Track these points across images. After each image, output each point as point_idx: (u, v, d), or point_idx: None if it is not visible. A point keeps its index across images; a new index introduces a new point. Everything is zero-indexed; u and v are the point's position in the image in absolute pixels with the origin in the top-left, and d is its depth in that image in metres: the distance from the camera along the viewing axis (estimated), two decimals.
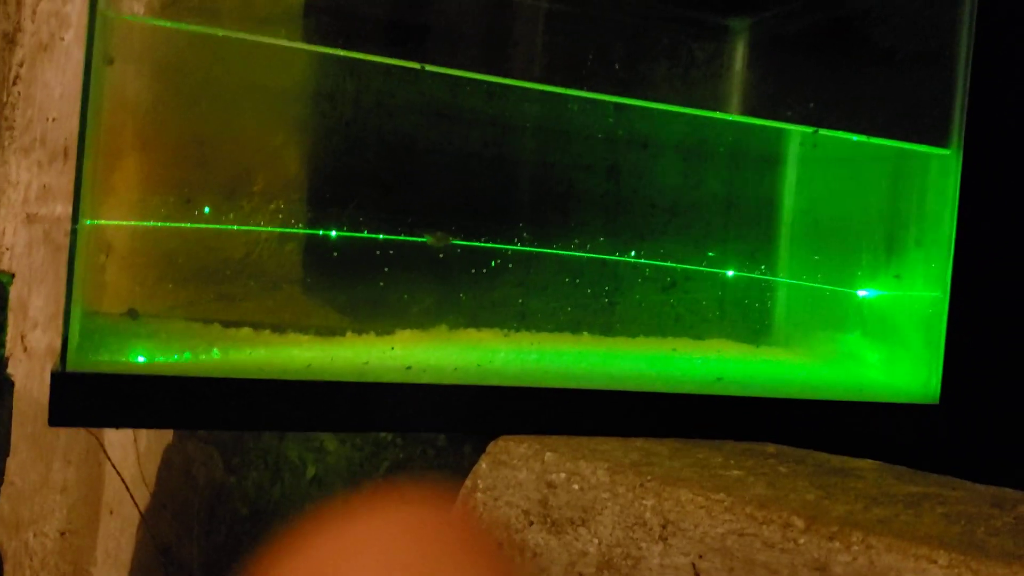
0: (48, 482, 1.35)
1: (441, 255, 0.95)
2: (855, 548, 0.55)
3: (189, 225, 0.90)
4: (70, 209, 1.35)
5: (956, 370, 0.89)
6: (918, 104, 0.92)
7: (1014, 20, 0.92)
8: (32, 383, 1.39)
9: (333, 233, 0.96)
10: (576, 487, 0.68)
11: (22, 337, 1.40)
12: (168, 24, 0.87)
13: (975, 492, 0.67)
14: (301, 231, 0.98)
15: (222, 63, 0.93)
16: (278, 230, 0.96)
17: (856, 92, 0.97)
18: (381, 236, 0.95)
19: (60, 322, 1.37)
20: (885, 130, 0.95)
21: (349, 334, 0.91)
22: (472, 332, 0.99)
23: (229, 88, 0.94)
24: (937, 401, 0.89)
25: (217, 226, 0.92)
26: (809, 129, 0.95)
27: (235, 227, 0.94)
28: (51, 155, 1.41)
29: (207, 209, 0.91)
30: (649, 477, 0.65)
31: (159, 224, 0.88)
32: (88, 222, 0.71)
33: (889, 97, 0.96)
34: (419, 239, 0.96)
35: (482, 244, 0.99)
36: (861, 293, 0.99)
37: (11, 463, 1.36)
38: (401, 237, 0.95)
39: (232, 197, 0.96)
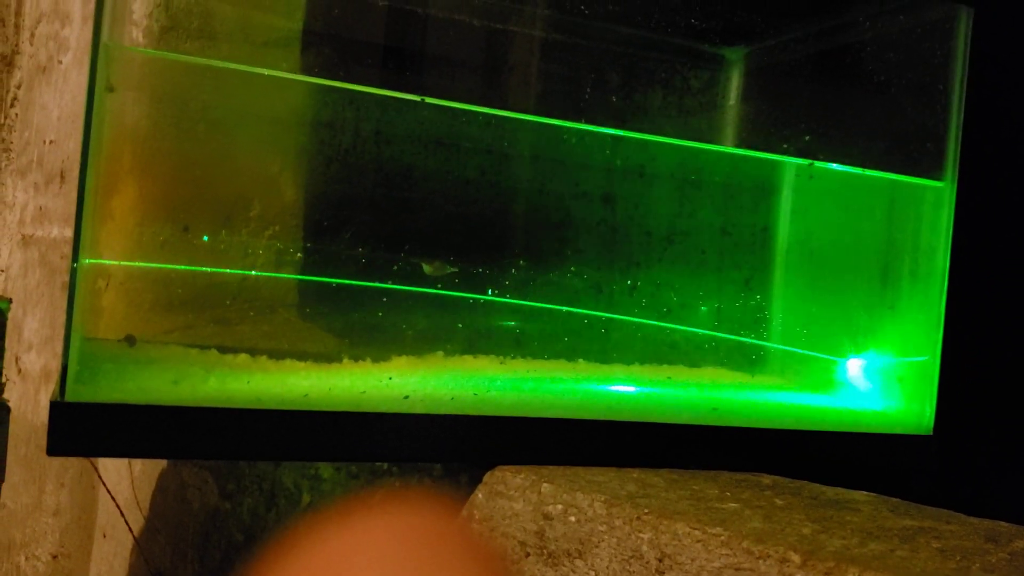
0: (41, 505, 1.35)
1: (439, 284, 0.95)
2: None
3: (199, 268, 0.90)
4: (66, 231, 1.35)
5: (950, 401, 0.89)
6: (913, 136, 0.93)
7: (1007, 54, 0.93)
8: (26, 405, 1.39)
9: (328, 258, 0.96)
10: (573, 519, 0.69)
11: (16, 359, 1.40)
12: (169, 55, 0.87)
13: (970, 526, 0.68)
14: (298, 258, 0.98)
15: (221, 91, 0.94)
16: (279, 275, 0.96)
17: (851, 124, 0.98)
18: (375, 263, 0.96)
19: (56, 344, 1.37)
20: (880, 162, 0.96)
21: (346, 360, 0.91)
22: (468, 359, 0.99)
23: (228, 116, 0.94)
24: (931, 432, 0.89)
25: (224, 270, 0.92)
26: (805, 162, 0.96)
27: (243, 271, 0.94)
28: (48, 177, 1.42)
29: (205, 237, 0.91)
30: (646, 510, 0.66)
31: (159, 265, 0.88)
32: (87, 261, 0.71)
33: (884, 129, 0.96)
34: (417, 263, 0.96)
35: (479, 271, 0.99)
36: (855, 359, 1.00)
37: (3, 485, 1.35)
38: (398, 264, 0.96)
39: (230, 224, 0.96)
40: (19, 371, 1.40)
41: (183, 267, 0.91)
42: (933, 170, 0.91)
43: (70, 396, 0.66)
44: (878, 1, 0.95)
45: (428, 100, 0.90)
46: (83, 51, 1.39)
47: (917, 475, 0.89)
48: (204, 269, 0.92)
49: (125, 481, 1.18)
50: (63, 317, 1.39)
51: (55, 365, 1.39)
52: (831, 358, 1.04)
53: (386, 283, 0.96)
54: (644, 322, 1.07)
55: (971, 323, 0.91)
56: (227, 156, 0.96)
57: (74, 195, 1.25)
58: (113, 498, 1.19)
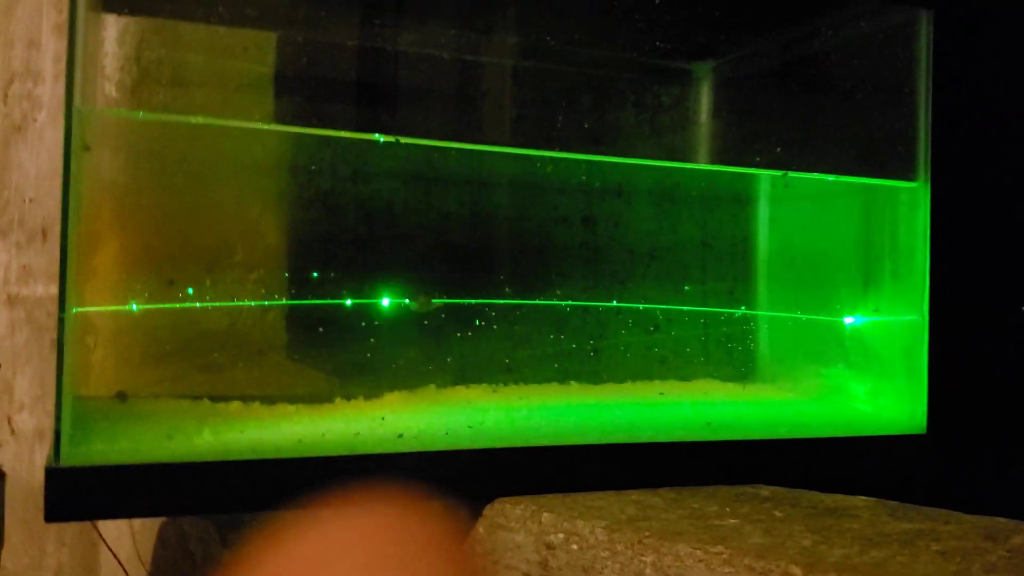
0: (42, 566, 1.34)
1: (426, 321, 0.96)
2: None
3: (199, 306, 0.90)
4: (52, 289, 1.35)
5: (941, 399, 0.90)
6: (884, 140, 0.94)
7: (970, 53, 0.94)
8: (21, 466, 1.38)
9: (315, 301, 0.96)
10: (575, 547, 0.69)
11: (8, 420, 1.39)
12: (140, 115, 0.88)
13: (968, 525, 0.68)
14: (284, 302, 0.99)
15: (194, 141, 0.94)
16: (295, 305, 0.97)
17: (822, 131, 0.99)
18: (363, 301, 0.96)
19: (47, 403, 1.37)
20: (853, 167, 0.97)
21: (338, 400, 0.91)
22: (460, 390, 0.99)
23: (204, 165, 0.95)
24: (924, 431, 0.90)
25: (215, 302, 0.93)
26: (778, 172, 0.97)
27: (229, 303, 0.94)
28: (29, 236, 1.42)
29: (190, 289, 0.91)
30: (647, 533, 0.66)
31: (149, 305, 0.88)
32: (75, 311, 0.71)
33: (854, 135, 0.98)
34: (402, 299, 0.96)
35: (465, 302, 1.00)
36: (848, 320, 1.01)
37: (3, 549, 1.35)
38: (381, 297, 0.96)
39: (214, 272, 0.96)
40: (12, 431, 1.39)
41: (177, 304, 0.91)
42: (906, 171, 0.92)
43: (65, 460, 0.66)
44: (839, 9, 0.97)
45: (403, 140, 0.91)
46: (57, 109, 1.39)
47: (913, 474, 0.89)
48: (195, 304, 0.92)
49: (126, 536, 1.18)
50: (53, 375, 1.39)
51: (48, 424, 1.38)
52: (817, 362, 1.05)
53: (373, 321, 0.96)
54: (633, 338, 1.07)
55: (956, 320, 0.92)
56: (207, 205, 0.96)
57: (57, 252, 1.25)
58: (115, 555, 1.18)
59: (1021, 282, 0.96)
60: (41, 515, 0.65)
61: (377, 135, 0.94)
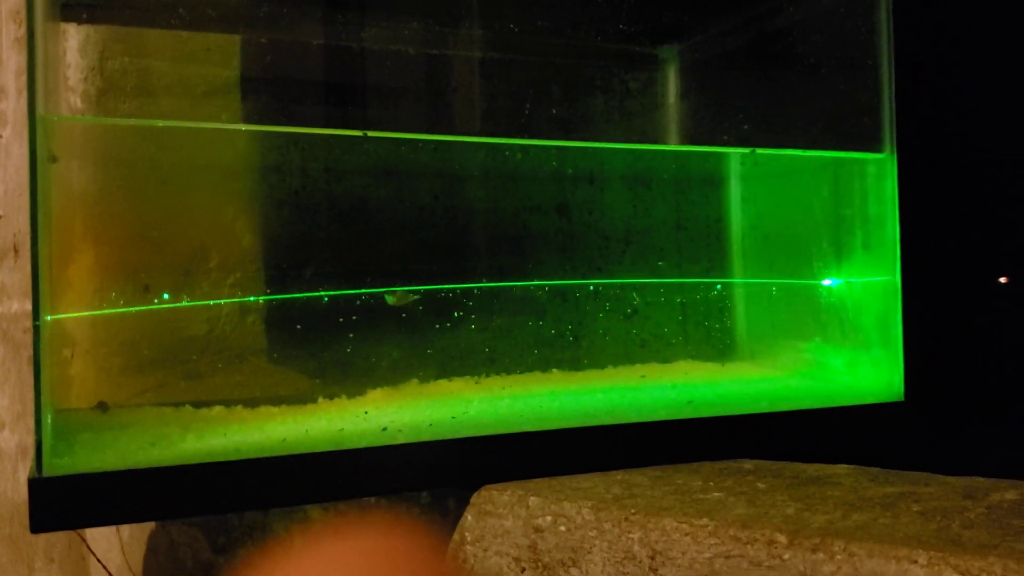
0: None
1: (404, 315, 0.96)
2: (838, 557, 0.56)
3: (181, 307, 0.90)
4: (26, 305, 1.34)
5: (917, 366, 0.91)
6: (849, 113, 0.95)
7: (928, 23, 0.95)
8: (5, 484, 1.37)
9: (293, 299, 0.96)
10: (563, 528, 0.69)
11: None
12: (106, 120, 0.88)
13: (947, 485, 0.69)
14: (262, 298, 0.99)
15: (163, 147, 0.94)
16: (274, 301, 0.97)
17: (788, 107, 1.00)
18: (340, 294, 0.96)
19: (28, 420, 1.36)
20: (820, 141, 0.98)
21: (321, 400, 0.91)
22: (443, 383, 0.99)
23: (174, 170, 0.94)
24: (902, 398, 0.91)
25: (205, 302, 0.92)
26: (746, 150, 0.98)
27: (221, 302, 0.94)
28: (1, 253, 1.41)
29: (166, 295, 0.91)
30: (633, 510, 0.66)
31: (127, 309, 0.88)
32: (49, 317, 0.71)
33: (820, 109, 0.98)
34: (379, 292, 0.96)
35: (443, 294, 1.00)
36: (826, 283, 1.02)
37: None
38: (360, 291, 0.96)
39: (190, 276, 0.96)
40: None
41: (153, 305, 0.91)
42: (872, 143, 0.93)
43: (47, 471, 0.66)
44: None
45: (371, 134, 0.91)
46: (22, 124, 1.38)
47: (893, 441, 0.90)
48: (171, 306, 0.92)
49: (115, 548, 1.17)
50: (32, 392, 1.38)
51: (30, 441, 1.38)
52: (795, 338, 1.06)
53: (352, 317, 0.96)
54: (612, 323, 1.08)
55: (928, 288, 0.93)
56: (180, 210, 0.96)
57: (30, 268, 1.24)
58: (104, 567, 1.18)
59: (991, 248, 0.97)
60: (28, 532, 0.65)
61: (345, 130, 0.94)
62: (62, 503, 0.65)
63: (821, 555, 0.57)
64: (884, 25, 0.93)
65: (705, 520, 0.63)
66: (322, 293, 0.95)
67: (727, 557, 0.61)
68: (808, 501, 0.66)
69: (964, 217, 0.96)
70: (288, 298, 0.97)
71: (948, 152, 0.98)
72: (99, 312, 0.89)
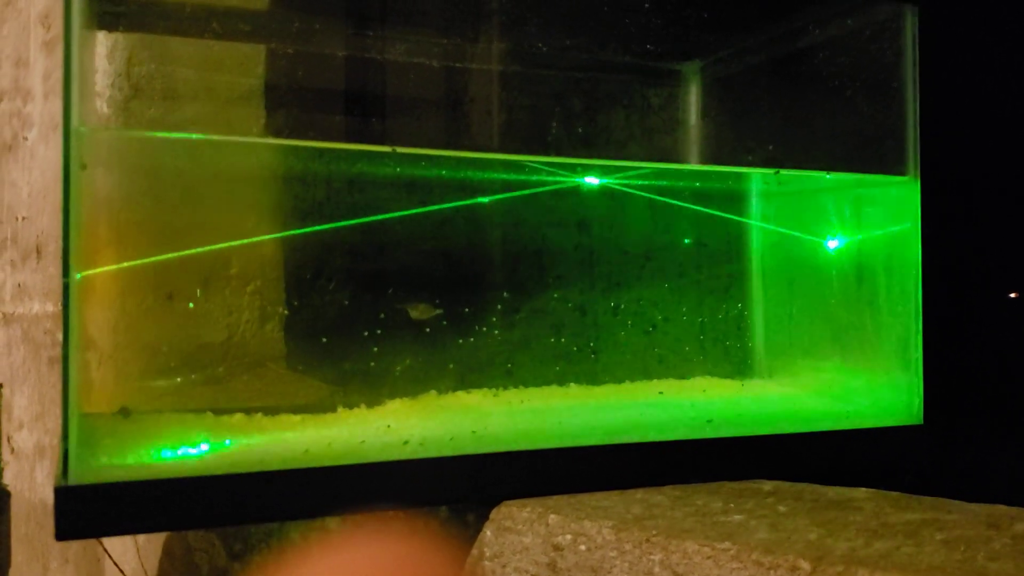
0: None
1: (427, 329, 0.96)
2: None
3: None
4: (48, 306, 1.35)
5: (937, 389, 0.91)
6: (873, 135, 0.95)
7: (956, 46, 0.95)
8: (22, 484, 1.38)
9: (313, 308, 0.97)
10: (583, 547, 0.70)
11: (8, 439, 1.39)
12: (135, 132, 0.88)
13: (970, 514, 0.69)
14: (283, 312, 0.99)
15: (190, 156, 0.95)
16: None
17: (810, 128, 1.00)
18: (362, 310, 0.97)
19: (47, 420, 1.37)
20: (842, 163, 0.98)
21: (340, 409, 0.92)
22: (462, 395, 1.00)
23: (200, 181, 0.95)
24: (921, 421, 0.91)
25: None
26: (770, 170, 0.98)
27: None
28: (24, 254, 1.42)
29: (190, 304, 0.92)
30: (654, 531, 0.67)
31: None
32: (78, 322, 0.71)
33: (843, 130, 0.99)
34: (402, 308, 0.97)
35: (463, 307, 1.00)
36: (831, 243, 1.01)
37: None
38: (384, 312, 0.97)
39: (213, 286, 0.97)
40: (12, 450, 1.39)
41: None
42: (896, 165, 0.94)
43: (73, 479, 0.66)
44: (824, 6, 0.98)
45: (399, 150, 0.91)
46: (47, 126, 1.39)
47: (912, 465, 0.90)
48: (194, 314, 0.92)
49: (131, 551, 1.18)
50: (52, 392, 1.39)
51: (48, 441, 1.38)
52: (814, 357, 1.06)
53: (374, 329, 0.97)
54: (631, 338, 1.08)
55: (950, 311, 0.93)
56: (203, 219, 0.97)
57: (51, 270, 1.26)
58: (120, 569, 1.18)
59: (1015, 272, 0.97)
60: (44, 532, 0.66)
61: (373, 145, 0.95)
62: (87, 512, 0.66)
63: None
64: (910, 48, 0.93)
65: (727, 544, 0.63)
66: (342, 308, 0.96)
67: None
68: (830, 526, 0.66)
69: (988, 240, 0.96)
70: (310, 306, 0.97)
71: (971, 175, 0.98)
72: (129, 323, 0.89)
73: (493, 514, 0.76)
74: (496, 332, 1.02)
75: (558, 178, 1.05)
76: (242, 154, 0.97)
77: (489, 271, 1.04)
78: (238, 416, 0.90)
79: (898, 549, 0.61)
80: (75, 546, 1.32)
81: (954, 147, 0.95)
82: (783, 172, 0.98)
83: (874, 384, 0.98)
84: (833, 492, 0.78)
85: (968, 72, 0.96)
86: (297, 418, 0.89)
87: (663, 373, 1.09)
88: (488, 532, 0.76)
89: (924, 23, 0.92)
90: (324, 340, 0.98)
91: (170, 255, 0.94)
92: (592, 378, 1.07)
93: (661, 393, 1.03)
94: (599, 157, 1.08)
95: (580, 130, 1.05)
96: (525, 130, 1.03)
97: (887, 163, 0.94)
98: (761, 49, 1.05)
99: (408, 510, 0.82)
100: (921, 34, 0.92)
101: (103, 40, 1.02)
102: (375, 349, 0.97)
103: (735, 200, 1.13)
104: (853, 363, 1.01)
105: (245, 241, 0.97)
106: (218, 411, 0.90)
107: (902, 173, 0.93)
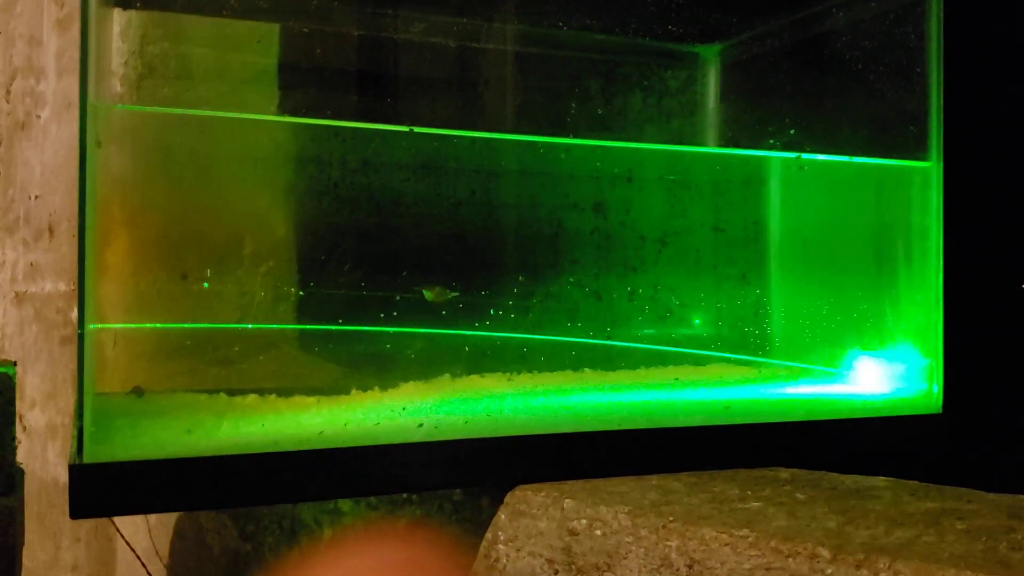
0: (58, 561, 1.34)
1: (443, 312, 0.96)
2: (883, 574, 0.56)
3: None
4: (60, 285, 1.35)
5: (956, 378, 0.90)
6: (895, 120, 0.94)
7: (980, 31, 0.94)
8: (34, 462, 1.38)
9: (327, 290, 0.96)
10: (599, 532, 0.69)
11: (20, 417, 1.39)
12: (150, 109, 0.88)
13: (991, 504, 0.68)
14: (298, 293, 0.99)
15: (205, 136, 0.94)
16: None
17: (832, 112, 0.99)
18: (377, 292, 0.96)
19: (58, 400, 1.37)
20: (864, 148, 0.97)
21: (354, 391, 0.91)
22: (475, 379, 0.99)
23: (215, 160, 0.94)
24: (940, 410, 0.90)
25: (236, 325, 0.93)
26: (791, 155, 0.97)
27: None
28: (36, 233, 1.41)
29: (205, 284, 0.91)
30: (671, 517, 0.66)
31: (172, 325, 0.88)
32: (92, 326, 0.71)
33: (865, 115, 0.97)
34: (418, 291, 0.96)
35: (477, 290, 1.00)
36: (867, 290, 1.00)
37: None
38: (400, 294, 0.96)
39: (228, 266, 0.96)
40: (24, 428, 1.39)
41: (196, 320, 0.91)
42: (918, 151, 0.92)
43: (88, 457, 0.66)
44: None
45: (416, 130, 0.91)
46: (61, 105, 1.39)
47: (930, 454, 0.90)
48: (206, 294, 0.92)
49: (142, 531, 1.18)
50: (63, 372, 1.39)
51: (60, 420, 1.39)
52: (833, 344, 1.05)
53: (389, 312, 0.96)
54: (646, 323, 1.07)
55: (970, 300, 0.92)
56: (219, 199, 0.96)
57: (64, 249, 1.25)
58: (132, 548, 1.18)
59: None
60: (55, 511, 0.65)
61: (389, 125, 0.94)
62: (102, 490, 0.65)
63: (865, 572, 0.56)
64: (934, 33, 0.92)
65: (745, 531, 0.63)
66: (357, 292, 0.95)
67: (768, 569, 0.60)
68: (849, 515, 0.66)
69: (1012, 227, 0.95)
70: (321, 288, 0.97)
71: (995, 162, 0.97)
72: (146, 319, 0.89)
73: (508, 498, 0.76)
74: (510, 315, 1.02)
75: (576, 161, 1.04)
76: (259, 133, 0.96)
77: (504, 253, 1.04)
78: (252, 397, 0.89)
79: (919, 538, 0.60)
80: (87, 525, 1.32)
81: (979, 133, 0.94)
82: (803, 156, 0.96)
83: (893, 372, 0.97)
84: (851, 480, 0.77)
85: (995, 57, 0.95)
86: (311, 399, 0.89)
87: (679, 359, 1.08)
88: (503, 516, 0.75)
89: (949, 6, 0.91)
90: (339, 322, 0.98)
91: (184, 235, 0.93)
92: (607, 363, 1.06)
93: (677, 379, 1.03)
94: (617, 140, 1.07)
95: (596, 111, 1.04)
96: (541, 111, 1.02)
97: (909, 149, 0.93)
98: (783, 33, 1.04)
99: (421, 492, 0.82)
100: (946, 18, 0.91)
101: (118, 18, 1.01)
102: (390, 331, 0.97)
103: (754, 185, 1.12)
104: (872, 351, 1.00)
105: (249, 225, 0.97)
106: (232, 392, 0.90)
107: (924, 159, 0.92)
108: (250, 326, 0.94)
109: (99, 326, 0.75)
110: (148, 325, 0.90)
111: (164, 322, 0.91)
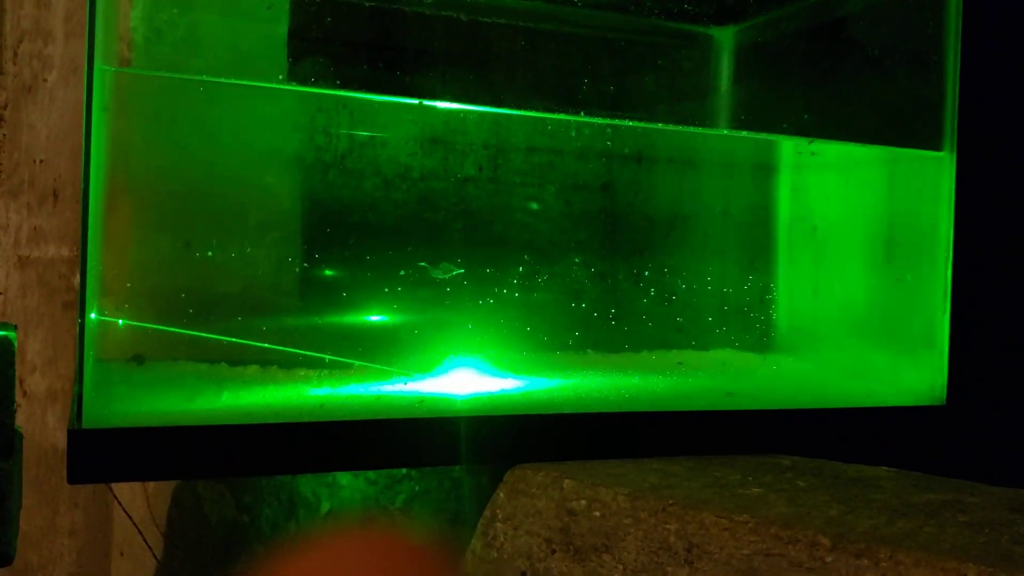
0: (55, 526, 1.35)
1: (448, 288, 0.95)
2: (883, 565, 0.55)
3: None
4: (63, 250, 1.34)
5: (961, 370, 0.90)
6: (909, 108, 0.93)
7: (1000, 20, 0.93)
8: (34, 427, 1.38)
9: (330, 263, 0.96)
10: (597, 514, 0.69)
11: (20, 381, 1.39)
12: (158, 73, 0.87)
13: (993, 496, 0.68)
14: (303, 266, 0.98)
15: (213, 104, 0.93)
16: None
17: (845, 99, 0.98)
18: (381, 268, 0.96)
19: (59, 365, 1.37)
20: (877, 136, 0.96)
21: (357, 365, 0.91)
22: (479, 356, 0.99)
23: (222, 129, 0.94)
24: (944, 402, 0.90)
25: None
26: (804, 140, 0.96)
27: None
28: (40, 197, 1.41)
29: (209, 252, 0.91)
30: (671, 501, 0.66)
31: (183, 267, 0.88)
32: (97, 268, 0.70)
33: (879, 103, 0.96)
34: (423, 267, 0.96)
35: (481, 268, 0.99)
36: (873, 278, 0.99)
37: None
38: (404, 269, 0.95)
39: (230, 234, 0.96)
40: (24, 393, 1.39)
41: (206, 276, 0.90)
42: (932, 140, 0.91)
43: (87, 423, 0.66)
44: None
45: (425, 103, 0.90)
46: (68, 69, 1.38)
47: (933, 445, 0.89)
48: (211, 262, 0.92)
49: (140, 498, 1.18)
50: (65, 337, 1.39)
51: (60, 386, 1.38)
52: (837, 333, 1.04)
53: (394, 287, 0.96)
54: (651, 307, 1.07)
55: (977, 291, 0.91)
56: (225, 168, 0.96)
57: (68, 215, 1.25)
58: (129, 516, 1.18)
59: None
60: (54, 476, 0.65)
61: (400, 97, 0.93)
62: (100, 456, 0.65)
63: (866, 561, 0.56)
64: (952, 20, 0.91)
65: (745, 516, 0.62)
66: (363, 270, 0.94)
67: (767, 555, 0.60)
68: (851, 504, 0.65)
69: (1020, 220, 0.94)
70: (326, 262, 0.96)
71: (1007, 153, 0.96)
72: (147, 285, 0.88)
73: (507, 476, 0.75)
74: (513, 294, 1.01)
75: (585, 139, 1.03)
76: (265, 102, 0.96)
77: (511, 231, 1.03)
78: (253, 368, 0.89)
79: (920, 529, 0.60)
80: (84, 491, 1.32)
81: (993, 124, 0.93)
82: (816, 143, 0.95)
83: (898, 363, 0.96)
84: (853, 470, 0.77)
85: (1013, 48, 0.94)
86: (313, 372, 0.89)
87: (683, 343, 1.08)
88: (501, 494, 0.75)
89: None
90: (342, 296, 0.97)
91: (189, 203, 0.93)
92: (610, 346, 1.05)
93: (680, 364, 1.02)
94: (628, 119, 1.06)
95: (607, 89, 1.03)
96: (553, 88, 1.01)
97: (922, 138, 0.92)
98: (798, 17, 1.03)
99: (421, 468, 0.81)
100: (966, 4, 0.90)
101: None
102: (391, 307, 0.96)
103: (764, 171, 1.11)
104: (877, 340, 0.99)
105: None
106: (233, 362, 0.90)
107: (937, 148, 0.91)
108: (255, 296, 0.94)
109: (98, 317, 0.74)
110: (150, 295, 0.90)
111: (167, 290, 0.91)
